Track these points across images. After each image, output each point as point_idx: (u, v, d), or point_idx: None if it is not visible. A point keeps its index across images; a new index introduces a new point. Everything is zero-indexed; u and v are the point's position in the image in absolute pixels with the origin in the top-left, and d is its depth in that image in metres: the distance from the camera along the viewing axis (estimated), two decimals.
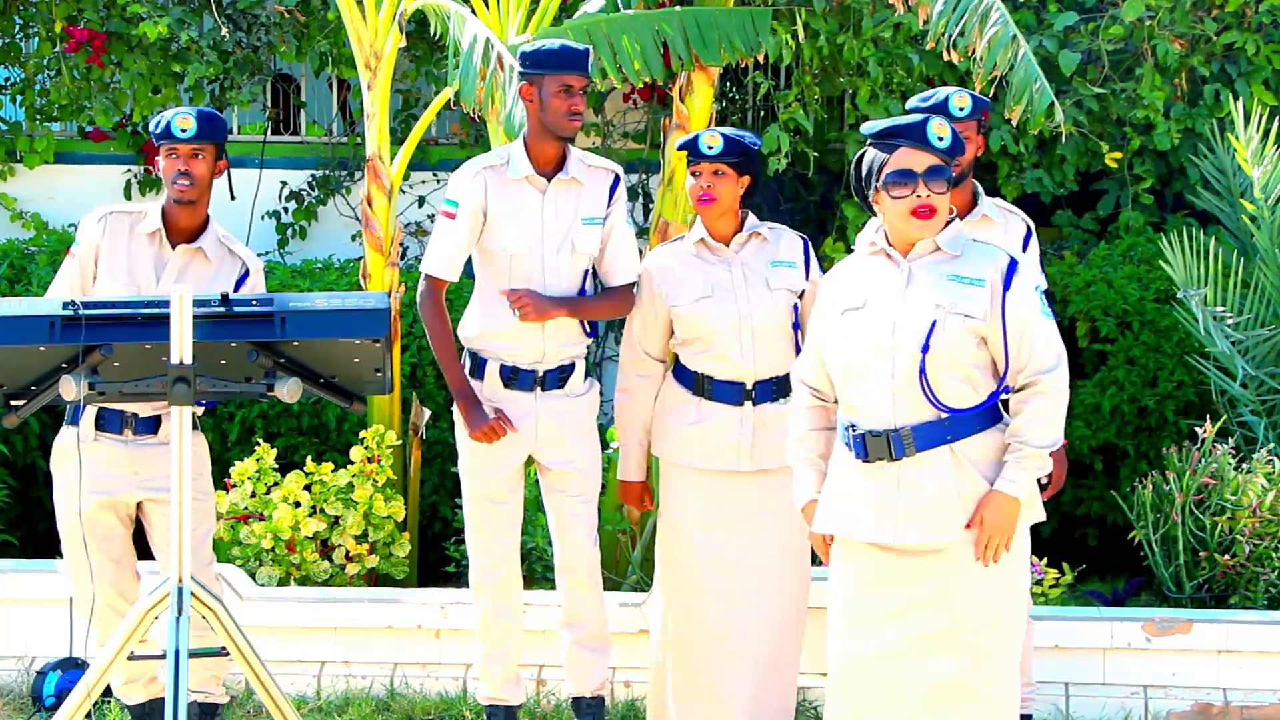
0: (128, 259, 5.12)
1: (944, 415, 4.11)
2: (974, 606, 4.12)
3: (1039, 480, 5.24)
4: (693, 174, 5.14)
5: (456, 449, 5.35)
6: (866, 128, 4.26)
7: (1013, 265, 4.15)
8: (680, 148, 5.20)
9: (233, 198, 5.28)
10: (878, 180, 4.14)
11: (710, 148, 5.09)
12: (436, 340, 5.27)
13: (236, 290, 5.15)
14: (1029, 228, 5.35)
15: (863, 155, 4.24)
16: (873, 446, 4.12)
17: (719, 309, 5.09)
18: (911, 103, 5.29)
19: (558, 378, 5.25)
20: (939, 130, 4.12)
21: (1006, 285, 4.12)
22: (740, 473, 5.13)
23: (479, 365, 5.27)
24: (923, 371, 4.08)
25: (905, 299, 4.14)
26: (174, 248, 5.12)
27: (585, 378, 5.34)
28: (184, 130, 5.02)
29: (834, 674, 4.25)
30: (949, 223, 4.21)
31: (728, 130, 5.16)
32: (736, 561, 5.11)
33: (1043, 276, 5.39)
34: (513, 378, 5.22)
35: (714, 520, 5.14)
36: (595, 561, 5.34)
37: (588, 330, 5.31)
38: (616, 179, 5.32)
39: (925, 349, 4.07)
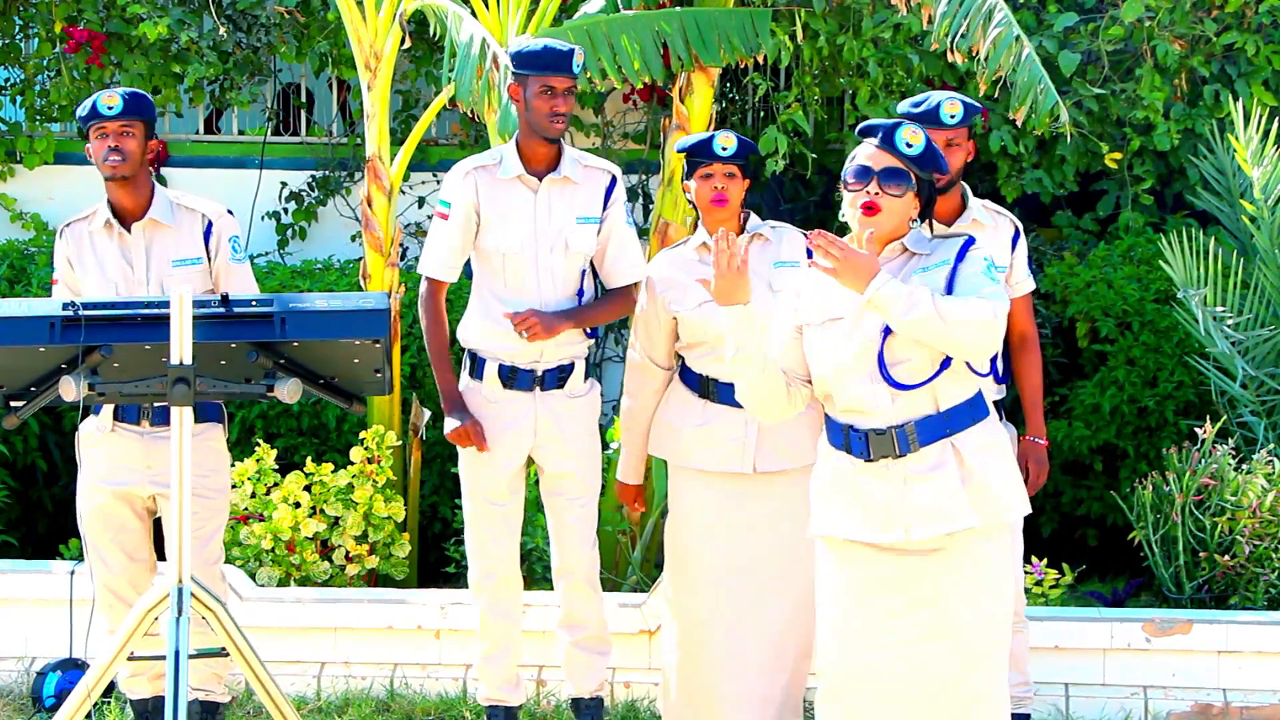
0: (95, 259, 5.18)
1: (941, 409, 4.14)
2: (974, 604, 4.14)
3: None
4: (703, 176, 5.10)
5: (456, 449, 5.35)
6: (860, 127, 4.29)
7: (968, 243, 4.21)
8: (688, 149, 5.14)
9: (163, 183, 5.32)
10: (845, 174, 4.20)
11: (725, 149, 5.08)
12: (431, 341, 5.30)
13: (207, 239, 5.22)
14: (1017, 229, 5.35)
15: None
16: (877, 445, 4.13)
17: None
18: (902, 107, 5.25)
19: (557, 377, 5.24)
20: (910, 137, 4.15)
21: (960, 258, 4.17)
22: (744, 475, 5.13)
23: (478, 365, 5.27)
24: (881, 350, 4.10)
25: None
26: (129, 230, 5.17)
27: (586, 378, 5.33)
28: (110, 108, 5.10)
29: (829, 679, 4.24)
30: (912, 227, 4.24)
31: (735, 133, 5.15)
32: (743, 564, 5.10)
33: (1031, 278, 5.40)
34: (511, 378, 5.22)
35: (720, 523, 5.14)
36: (594, 564, 5.34)
37: (587, 331, 5.30)
38: (614, 180, 5.30)
39: (887, 331, 4.09)
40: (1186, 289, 6.85)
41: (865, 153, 4.17)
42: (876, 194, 4.13)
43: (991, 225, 5.29)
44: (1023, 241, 5.35)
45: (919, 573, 4.14)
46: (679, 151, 5.21)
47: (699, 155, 5.10)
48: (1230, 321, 6.86)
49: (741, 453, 5.11)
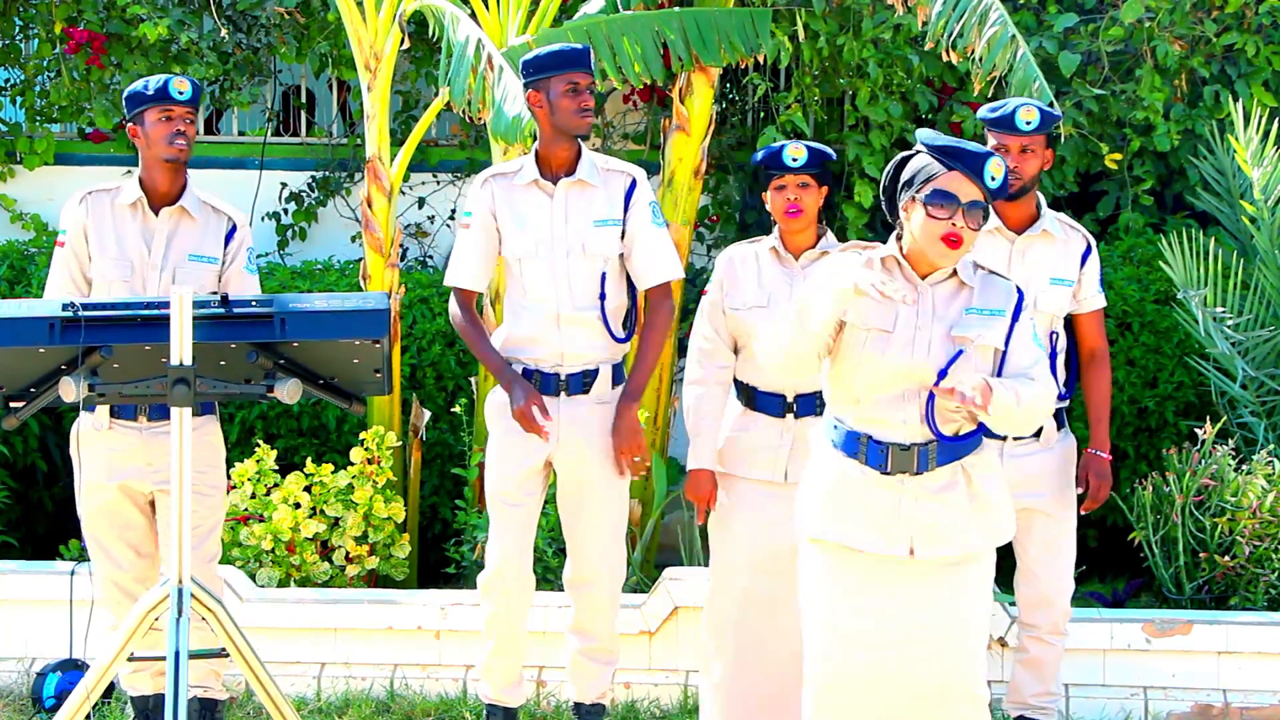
0: (114, 233, 5.16)
1: (960, 434, 4.18)
2: (970, 611, 4.17)
3: (1078, 491, 5.27)
4: (776, 188, 5.14)
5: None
6: (927, 136, 4.19)
7: (1021, 297, 4.22)
8: (761, 161, 5.17)
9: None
10: (918, 191, 4.11)
11: (795, 160, 5.09)
12: (474, 347, 5.26)
13: (227, 244, 5.22)
14: (1089, 244, 5.33)
15: (907, 159, 4.19)
16: (898, 460, 4.14)
17: (770, 320, 5.07)
18: (981, 113, 5.26)
19: (581, 382, 5.22)
20: (995, 170, 4.10)
21: (1015, 316, 4.19)
22: (777, 484, 5.14)
23: None
24: (931, 398, 4.11)
25: (932, 325, 4.15)
26: (156, 214, 5.17)
27: (615, 385, 5.28)
28: (182, 93, 5.11)
29: (820, 680, 4.23)
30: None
31: (806, 142, 5.17)
32: (772, 571, 5.08)
33: (1101, 294, 5.38)
34: (535, 382, 5.20)
35: (753, 530, 5.15)
36: (614, 575, 5.31)
37: (618, 336, 5.26)
38: (634, 182, 5.27)
39: (943, 374, 4.09)
40: (1186, 290, 6.85)
41: (948, 179, 4.08)
42: (962, 227, 4.08)
43: (1062, 238, 5.28)
44: (1094, 257, 5.32)
45: (916, 578, 4.16)
46: (755, 164, 5.22)
47: (770, 167, 5.14)
48: (1230, 322, 6.86)
49: (773, 462, 5.14)
